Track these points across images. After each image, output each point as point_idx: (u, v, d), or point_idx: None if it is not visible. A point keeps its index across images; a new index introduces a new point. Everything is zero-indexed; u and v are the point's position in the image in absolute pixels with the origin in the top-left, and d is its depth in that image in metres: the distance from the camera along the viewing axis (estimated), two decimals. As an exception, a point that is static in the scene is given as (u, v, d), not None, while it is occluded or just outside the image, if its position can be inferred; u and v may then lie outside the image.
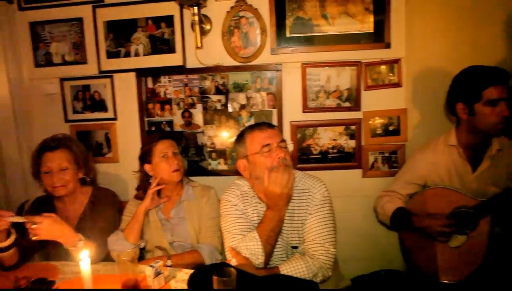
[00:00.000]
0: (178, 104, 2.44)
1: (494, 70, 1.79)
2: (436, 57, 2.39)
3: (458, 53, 2.36)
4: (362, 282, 2.36)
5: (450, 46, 2.39)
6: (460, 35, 2.38)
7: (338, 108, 2.35)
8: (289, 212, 1.68)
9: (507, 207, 1.78)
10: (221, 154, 2.46)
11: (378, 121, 2.35)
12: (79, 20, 2.45)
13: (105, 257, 1.92)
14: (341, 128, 2.37)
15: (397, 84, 2.31)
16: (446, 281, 1.86)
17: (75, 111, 2.54)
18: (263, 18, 2.30)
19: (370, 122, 2.35)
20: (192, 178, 2.22)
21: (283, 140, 1.69)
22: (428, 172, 1.97)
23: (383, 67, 2.31)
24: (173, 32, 2.37)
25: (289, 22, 2.31)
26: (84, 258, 1.47)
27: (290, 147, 1.78)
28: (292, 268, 1.57)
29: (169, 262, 1.82)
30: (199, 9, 2.21)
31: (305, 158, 2.40)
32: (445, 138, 1.97)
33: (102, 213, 2.01)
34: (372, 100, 2.34)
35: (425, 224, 1.85)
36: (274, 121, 2.37)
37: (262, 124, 1.74)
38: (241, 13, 2.32)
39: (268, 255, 1.61)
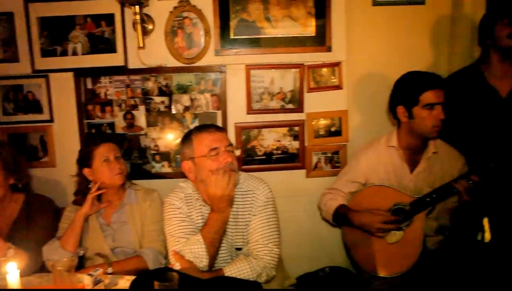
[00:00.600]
0: (119, 105, 2.36)
1: (430, 76, 1.91)
2: (375, 62, 2.51)
3: (394, 59, 2.49)
4: (307, 280, 2.42)
5: (387, 52, 2.52)
6: (397, 42, 2.52)
7: (282, 110, 2.39)
8: (233, 214, 1.68)
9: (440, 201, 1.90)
10: (165, 156, 2.41)
11: (321, 122, 2.42)
12: (9, 15, 2.29)
13: (41, 267, 1.82)
14: (285, 130, 2.41)
15: (338, 87, 2.39)
16: (383, 275, 1.95)
17: (6, 113, 2.38)
18: (207, 19, 2.29)
19: (313, 123, 2.41)
20: (135, 182, 2.16)
21: (231, 144, 1.68)
22: (369, 171, 2.06)
23: (325, 70, 2.38)
24: (113, 31, 2.29)
25: (233, 23, 2.31)
26: (11, 270, 1.37)
27: (237, 152, 1.78)
28: (236, 269, 1.57)
29: (110, 270, 1.75)
30: (141, 8, 2.15)
31: (249, 159, 2.42)
32: (387, 140, 2.06)
33: (37, 221, 1.91)
34: (315, 102, 2.40)
35: (365, 221, 1.93)
36: (219, 123, 2.36)
37: (210, 126, 1.72)
38: (185, 14, 2.29)
39: (213, 257, 1.60)
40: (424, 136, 1.93)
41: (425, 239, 1.97)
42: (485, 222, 2.41)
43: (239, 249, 1.71)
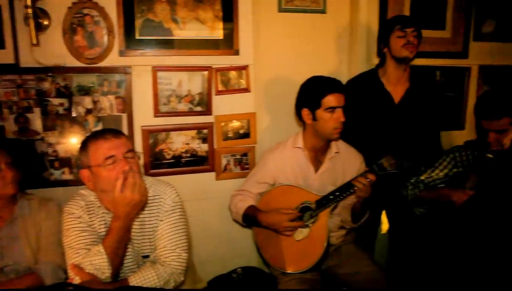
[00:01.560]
0: (10, 108, 2.14)
1: (331, 81, 2.01)
2: (281, 66, 2.61)
3: (300, 63, 2.62)
4: (220, 282, 2.41)
5: (293, 57, 2.63)
6: (302, 47, 2.65)
7: (190, 113, 2.36)
8: (139, 221, 1.62)
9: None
10: (65, 162, 2.24)
11: (230, 125, 2.44)
12: None
13: None
14: (193, 132, 2.39)
15: (246, 90, 2.43)
16: (291, 272, 2.02)
17: None
18: (110, 18, 2.18)
19: (222, 125, 2.42)
20: (32, 191, 1.98)
21: (130, 150, 1.58)
22: (276, 172, 2.12)
23: (233, 73, 2.41)
24: (1, 25, 2.07)
25: (138, 23, 2.23)
26: None
27: (140, 158, 1.69)
28: (142, 278, 1.52)
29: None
30: (33, 1, 1.97)
31: (158, 163, 2.35)
32: (293, 141, 2.14)
33: None
34: (223, 104, 2.42)
35: (272, 220, 1.98)
36: (124, 127, 2.26)
37: (107, 132, 1.59)
38: (86, 11, 2.16)
39: (116, 267, 1.52)
40: (326, 137, 2.04)
41: (329, 234, 2.09)
42: (383, 215, 2.65)
43: (146, 256, 1.65)
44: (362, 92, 2.38)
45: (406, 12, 2.70)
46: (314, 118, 2.00)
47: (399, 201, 2.29)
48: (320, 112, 1.97)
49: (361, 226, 2.10)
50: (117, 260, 1.51)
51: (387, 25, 2.30)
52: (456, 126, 2.94)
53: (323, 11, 2.67)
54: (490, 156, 2.01)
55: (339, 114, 1.96)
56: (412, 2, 2.71)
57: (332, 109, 1.95)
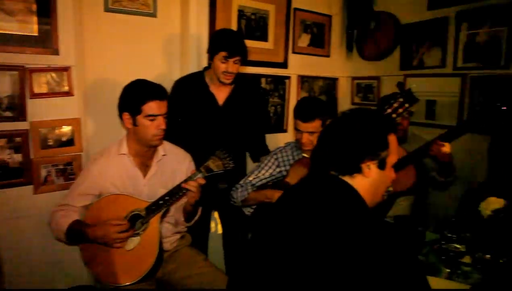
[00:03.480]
0: None
1: (154, 87, 1.94)
2: (110, 68, 2.48)
3: (130, 66, 2.53)
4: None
5: (123, 59, 2.53)
6: (132, 49, 2.58)
7: (-4, 119, 2.04)
8: None
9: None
10: None
11: (50, 132, 2.19)
12: None
13: None
14: (3, 141, 2.06)
15: (68, 93, 2.22)
16: (126, 283, 1.92)
17: None
18: None
19: (40, 133, 2.15)
20: None
21: None
22: (102, 181, 1.98)
23: (52, 74, 2.17)
24: None
25: None
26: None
27: None
28: None
29: None
30: None
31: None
32: (117, 148, 2.02)
33: None
34: (41, 109, 2.15)
35: (100, 234, 1.84)
36: None
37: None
38: None
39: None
40: (146, 143, 1.98)
41: (162, 240, 2.05)
42: (216, 215, 2.74)
43: None
44: (188, 92, 2.41)
45: (234, 24, 2.87)
46: (135, 124, 1.93)
47: (230, 202, 2.39)
48: (140, 119, 1.90)
49: (194, 227, 2.13)
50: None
51: (214, 44, 2.30)
52: (280, 129, 3.25)
53: (153, 15, 2.64)
54: (306, 155, 2.27)
55: (160, 122, 1.92)
56: (239, 15, 2.90)
57: (153, 117, 1.90)
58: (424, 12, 3.03)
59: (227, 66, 2.27)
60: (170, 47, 2.76)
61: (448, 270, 1.65)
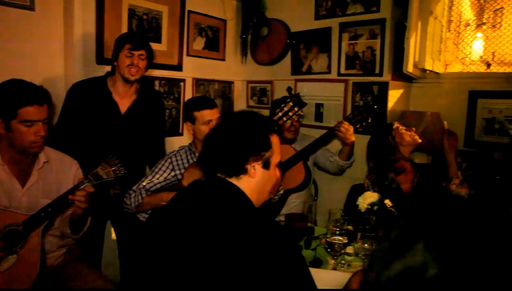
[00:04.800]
0: None
1: (33, 90, 1.74)
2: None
3: (9, 64, 2.27)
4: None
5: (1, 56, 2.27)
6: (11, 45, 2.31)
7: None
8: None
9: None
10: None
11: None
12: None
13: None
14: None
15: None
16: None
17: None
18: None
19: None
20: None
21: None
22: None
23: None
24: None
25: None
26: None
27: None
28: None
29: None
30: None
31: None
32: None
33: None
34: None
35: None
36: None
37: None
38: None
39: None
40: (23, 151, 1.79)
41: (45, 256, 1.88)
42: (109, 224, 2.59)
43: None
44: (88, 98, 2.29)
45: (124, 24, 2.74)
46: (8, 129, 1.71)
47: (124, 209, 2.29)
48: (15, 124, 1.70)
49: (84, 238, 1.99)
50: None
51: (118, 42, 2.29)
52: (176, 133, 3.19)
53: (30, 8, 2.40)
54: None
55: (38, 128, 1.73)
56: (130, 14, 2.78)
57: (30, 122, 1.71)
58: (312, 21, 3.24)
59: (132, 59, 2.24)
60: (52, 46, 2.53)
61: (334, 261, 1.78)
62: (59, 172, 1.96)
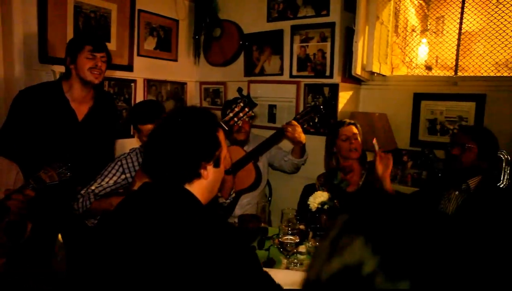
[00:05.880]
0: None
1: None
2: None
3: None
4: None
5: None
6: None
7: None
8: None
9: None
10: None
11: None
12: None
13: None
14: None
15: None
16: None
17: None
18: None
19: None
20: None
21: None
22: None
23: None
24: None
25: None
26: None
27: None
28: None
29: None
30: None
31: None
32: None
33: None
34: None
35: None
36: None
37: None
38: None
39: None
40: None
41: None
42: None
43: None
44: (41, 105, 2.16)
45: (70, 21, 2.63)
46: None
47: (72, 215, 2.19)
48: None
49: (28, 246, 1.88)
50: None
51: (76, 43, 2.18)
52: (127, 135, 3.10)
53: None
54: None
55: None
56: (76, 12, 2.67)
57: None
58: (264, 24, 3.26)
59: (95, 62, 2.15)
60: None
61: (286, 261, 1.80)
62: (3, 175, 1.84)
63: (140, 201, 1.18)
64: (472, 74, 2.84)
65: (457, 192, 2.02)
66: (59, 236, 2.45)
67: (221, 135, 1.24)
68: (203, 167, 1.18)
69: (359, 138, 2.39)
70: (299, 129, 2.40)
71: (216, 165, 1.22)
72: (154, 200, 1.15)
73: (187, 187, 1.17)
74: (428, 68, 3.11)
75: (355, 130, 2.41)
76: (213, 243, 1.03)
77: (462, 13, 2.83)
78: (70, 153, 2.19)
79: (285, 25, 3.14)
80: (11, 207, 1.65)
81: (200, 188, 1.19)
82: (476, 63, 2.82)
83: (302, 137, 2.45)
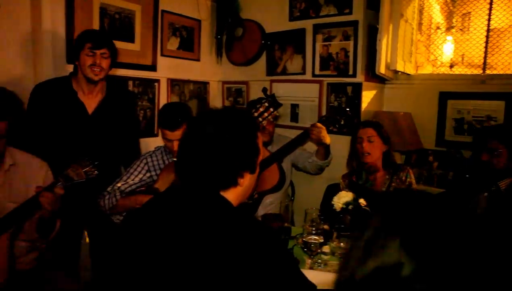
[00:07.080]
0: None
1: None
2: None
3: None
4: None
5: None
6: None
7: None
8: None
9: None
10: None
11: None
12: None
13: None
14: None
15: None
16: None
17: None
18: None
19: None
20: None
21: None
22: None
23: None
24: None
25: None
26: None
27: None
28: None
29: None
30: None
31: None
32: None
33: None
34: None
35: None
36: None
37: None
38: None
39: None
40: None
41: (15, 261, 1.80)
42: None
43: None
44: (53, 99, 2.21)
45: (96, 22, 2.68)
46: None
47: (98, 211, 2.23)
48: None
49: (59, 244, 1.92)
50: None
51: (78, 41, 2.20)
52: (151, 134, 3.14)
53: (-4, 5, 2.31)
54: (175, 159, 2.23)
55: None
56: (102, 13, 2.72)
57: None
58: (286, 23, 3.25)
59: (94, 59, 2.16)
60: (20, 45, 2.45)
61: (310, 261, 1.79)
62: (27, 175, 1.89)
63: (175, 204, 1.14)
64: (501, 72, 2.77)
65: (486, 194, 1.97)
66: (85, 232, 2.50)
67: (260, 141, 1.20)
68: (241, 175, 1.13)
69: (377, 140, 2.34)
70: (324, 131, 2.38)
71: (253, 171, 1.18)
72: (190, 205, 1.11)
73: (222, 193, 1.13)
74: (450, 65, 3.04)
75: (371, 132, 2.34)
76: (257, 247, 1.01)
77: (490, 9, 2.76)
78: (83, 146, 2.22)
79: (307, 24, 3.12)
80: (42, 204, 1.69)
81: (235, 194, 1.15)
82: (506, 60, 2.75)
83: (327, 139, 2.43)
